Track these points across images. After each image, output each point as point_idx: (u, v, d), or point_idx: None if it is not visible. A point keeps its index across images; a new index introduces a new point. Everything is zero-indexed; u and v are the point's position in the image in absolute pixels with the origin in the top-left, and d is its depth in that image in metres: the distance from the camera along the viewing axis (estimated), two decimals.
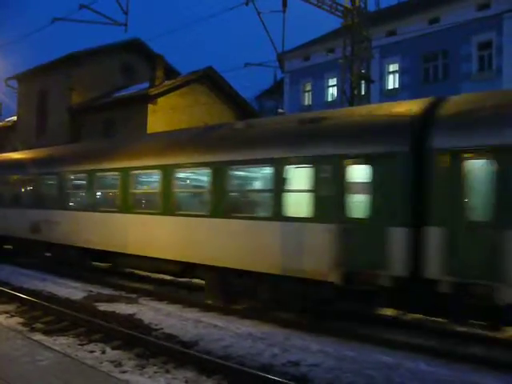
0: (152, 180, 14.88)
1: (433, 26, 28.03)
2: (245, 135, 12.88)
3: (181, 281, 15.40)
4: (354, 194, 10.20)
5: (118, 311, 12.03)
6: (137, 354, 8.89)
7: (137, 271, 17.20)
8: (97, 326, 10.46)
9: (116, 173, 15.38)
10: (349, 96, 19.87)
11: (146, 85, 31.71)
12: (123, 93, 32.81)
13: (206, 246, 12.57)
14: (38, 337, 9.70)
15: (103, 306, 12.57)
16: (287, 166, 11.10)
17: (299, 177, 10.95)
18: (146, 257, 14.12)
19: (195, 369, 8.13)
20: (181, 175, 14.03)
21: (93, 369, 7.36)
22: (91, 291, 14.64)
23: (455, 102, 10.01)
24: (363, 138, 10.25)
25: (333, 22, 32.81)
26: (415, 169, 9.48)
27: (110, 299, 13.48)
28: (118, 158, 15.66)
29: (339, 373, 7.99)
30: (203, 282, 13.46)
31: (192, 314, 12.04)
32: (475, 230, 8.81)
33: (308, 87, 36.60)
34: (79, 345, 9.46)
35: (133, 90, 32.41)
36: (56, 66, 34.97)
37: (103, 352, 9.03)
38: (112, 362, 8.46)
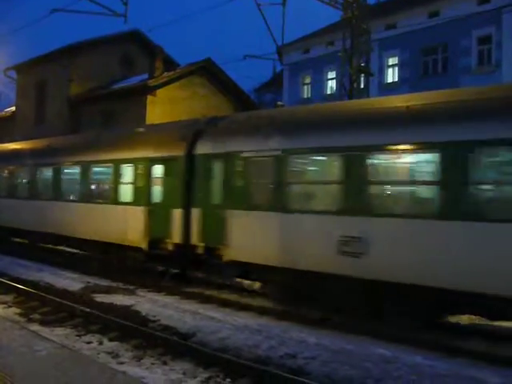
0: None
1: (433, 20, 28.01)
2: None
3: (176, 272, 15.41)
4: (156, 185, 14.53)
5: (115, 302, 12.04)
6: (134, 346, 8.90)
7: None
8: (94, 317, 10.47)
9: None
10: (348, 89, 19.83)
11: (145, 76, 31.60)
12: (122, 84, 32.71)
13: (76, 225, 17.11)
14: (36, 327, 9.72)
15: (101, 298, 12.59)
16: (122, 165, 15.75)
17: (125, 172, 15.59)
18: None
19: (192, 360, 8.15)
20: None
21: (90, 360, 7.38)
22: (89, 282, 14.65)
23: (220, 123, 13.91)
24: (161, 147, 14.52)
25: (332, 15, 32.75)
26: (187, 168, 13.46)
27: (108, 290, 13.49)
28: None
29: (336, 365, 8.00)
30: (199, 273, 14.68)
31: (189, 305, 12.05)
32: (214, 210, 12.72)
33: (307, 80, 36.55)
34: (76, 336, 9.48)
35: (132, 81, 32.31)
36: (55, 56, 34.81)
37: (100, 343, 9.05)
38: (109, 353, 8.47)
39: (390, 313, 9.82)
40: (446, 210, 8.97)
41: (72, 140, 20.65)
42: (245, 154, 12.16)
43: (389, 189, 10.48)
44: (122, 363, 8.00)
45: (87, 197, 17.22)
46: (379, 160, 10.41)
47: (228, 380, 7.45)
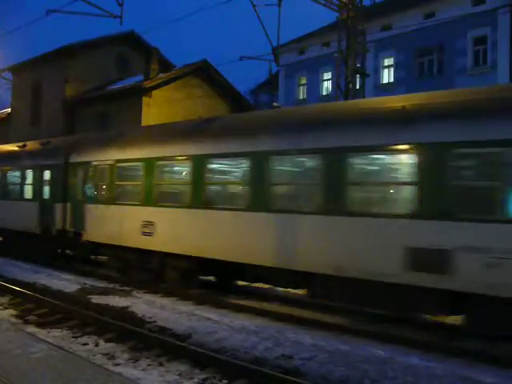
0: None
1: (428, 21, 28.07)
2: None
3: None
4: (46, 185, 18.60)
5: (111, 304, 12.03)
6: (130, 347, 8.90)
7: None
8: (90, 318, 10.46)
9: None
10: (343, 90, 19.85)
11: (140, 77, 31.60)
12: (118, 85, 32.72)
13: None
14: (32, 329, 9.71)
15: (97, 299, 12.58)
16: (26, 171, 20.23)
17: (28, 176, 19.89)
18: None
19: (189, 362, 8.14)
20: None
21: (86, 361, 7.37)
22: (85, 284, 14.64)
23: (85, 140, 18.44)
24: (50, 157, 18.60)
25: (328, 16, 32.73)
26: (65, 172, 17.45)
27: (104, 292, 13.49)
28: None
29: (332, 366, 8.01)
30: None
31: (186, 306, 12.06)
32: (78, 204, 16.73)
33: (303, 81, 36.60)
34: (73, 337, 9.46)
35: (127, 82, 32.31)
36: (50, 58, 34.84)
37: (96, 345, 9.04)
38: (105, 354, 8.46)
39: (169, 276, 13.90)
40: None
41: None
42: (94, 163, 16.31)
43: (171, 185, 14.84)
44: (118, 365, 7.99)
45: (6, 195, 21.60)
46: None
47: (224, 381, 7.44)
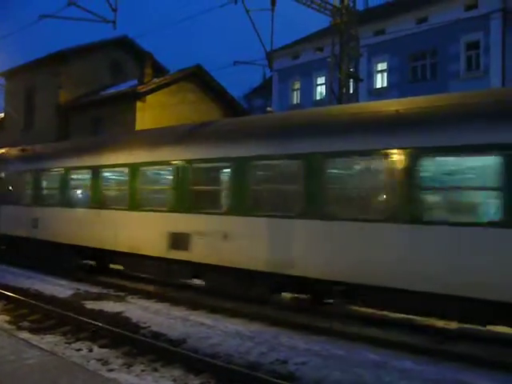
0: None
1: (421, 26, 28.22)
2: None
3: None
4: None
5: (105, 309, 12.00)
6: (124, 353, 8.86)
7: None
8: (84, 324, 10.41)
9: None
10: (337, 95, 19.91)
11: (134, 82, 31.58)
12: (111, 90, 32.66)
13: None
14: (25, 335, 9.66)
15: (91, 304, 12.54)
16: None
17: None
18: None
19: (183, 367, 8.12)
20: None
21: (80, 367, 7.33)
22: (78, 289, 14.59)
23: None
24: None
25: (322, 21, 32.84)
26: None
27: (98, 297, 13.44)
28: None
29: (327, 371, 8.00)
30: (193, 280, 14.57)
31: (180, 312, 12.03)
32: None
33: (297, 86, 36.67)
34: (66, 343, 9.42)
35: (121, 87, 32.26)
36: (44, 63, 34.73)
37: (90, 350, 9.00)
38: (99, 360, 8.43)
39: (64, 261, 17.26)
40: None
41: None
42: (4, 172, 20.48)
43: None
44: (111, 370, 7.96)
45: None
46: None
47: None
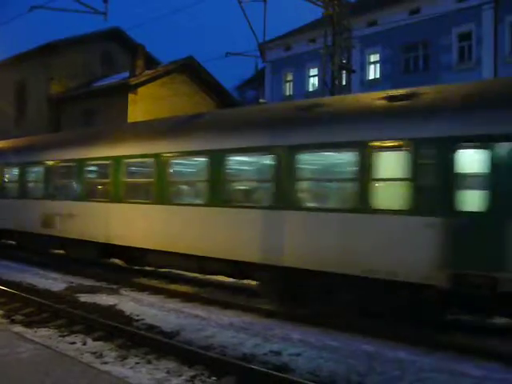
0: None
1: (413, 17, 28.24)
2: None
3: (162, 271, 15.43)
4: None
5: (99, 302, 11.98)
6: (118, 345, 8.86)
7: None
8: (78, 317, 10.40)
9: None
10: (330, 86, 19.87)
11: (126, 74, 31.47)
12: (103, 82, 32.55)
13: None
14: (18, 328, 9.63)
15: (84, 297, 12.52)
16: None
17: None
18: None
19: (177, 359, 8.13)
20: None
21: (74, 360, 7.33)
22: (72, 282, 14.55)
23: None
24: None
25: (314, 12, 32.74)
26: None
27: (91, 290, 13.42)
28: None
29: (321, 362, 8.04)
30: (183, 272, 14.75)
31: (173, 304, 12.03)
32: None
33: (289, 77, 36.59)
34: (60, 336, 9.41)
35: (113, 79, 32.16)
36: (35, 55, 34.56)
37: (84, 343, 9.00)
38: (93, 353, 8.43)
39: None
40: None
41: None
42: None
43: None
44: (106, 363, 7.96)
45: None
46: None
47: (213, 378, 7.44)
